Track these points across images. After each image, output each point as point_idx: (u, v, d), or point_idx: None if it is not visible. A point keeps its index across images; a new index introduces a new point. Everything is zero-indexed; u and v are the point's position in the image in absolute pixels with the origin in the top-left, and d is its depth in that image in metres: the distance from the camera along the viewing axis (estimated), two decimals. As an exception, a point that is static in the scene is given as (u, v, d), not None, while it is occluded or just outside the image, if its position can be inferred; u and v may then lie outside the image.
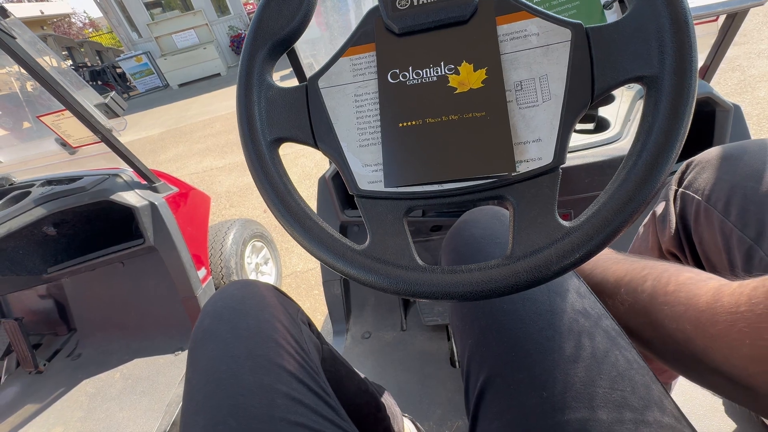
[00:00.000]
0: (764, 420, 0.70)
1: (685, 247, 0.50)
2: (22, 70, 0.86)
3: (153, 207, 1.14)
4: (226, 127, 4.29)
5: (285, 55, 0.37)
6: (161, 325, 1.34)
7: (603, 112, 0.79)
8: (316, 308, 1.53)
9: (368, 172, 0.31)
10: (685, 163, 0.52)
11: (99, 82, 8.21)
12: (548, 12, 0.29)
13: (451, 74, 0.30)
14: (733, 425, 0.72)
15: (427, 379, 0.94)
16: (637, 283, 0.36)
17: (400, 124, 0.30)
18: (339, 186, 0.94)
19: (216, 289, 1.08)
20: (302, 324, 0.48)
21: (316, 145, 0.33)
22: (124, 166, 1.16)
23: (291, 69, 0.67)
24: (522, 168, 0.28)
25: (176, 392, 1.14)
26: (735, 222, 0.41)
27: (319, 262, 0.36)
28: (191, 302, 1.22)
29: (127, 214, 1.13)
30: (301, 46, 0.95)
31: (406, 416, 0.76)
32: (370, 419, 0.61)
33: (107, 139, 1.03)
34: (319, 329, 1.39)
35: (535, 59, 0.29)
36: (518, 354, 0.34)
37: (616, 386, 0.31)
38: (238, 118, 0.34)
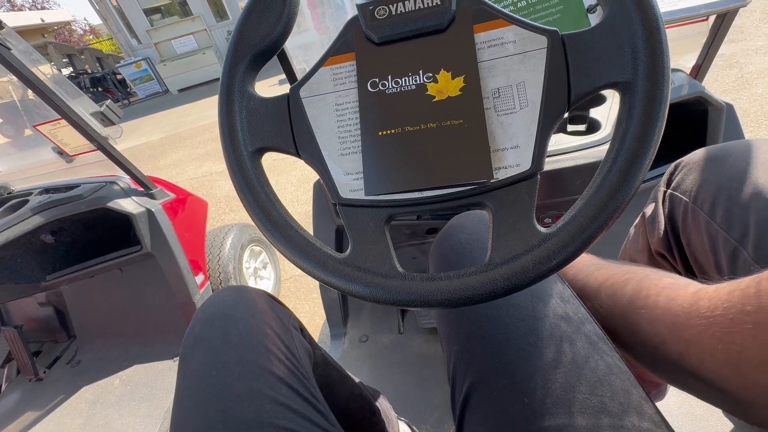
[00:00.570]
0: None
1: (674, 249, 0.50)
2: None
3: (150, 214, 1.15)
4: (226, 131, 4.29)
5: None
6: (160, 331, 1.35)
7: (594, 113, 0.79)
8: (314, 312, 1.53)
9: (349, 181, 0.31)
10: (673, 164, 0.52)
11: (99, 89, 8.23)
12: (525, 20, 0.29)
13: (430, 82, 0.30)
14: (731, 425, 0.72)
15: (425, 382, 0.94)
16: (617, 287, 0.36)
17: (380, 133, 0.30)
18: None
19: (213, 295, 1.08)
20: (294, 329, 0.48)
21: (298, 154, 0.33)
22: (120, 173, 1.17)
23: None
24: (500, 175, 0.28)
25: (175, 398, 1.14)
26: (720, 223, 0.41)
27: None
28: (189, 308, 1.22)
29: (125, 220, 1.14)
30: (294, 51, 0.95)
31: (402, 420, 0.76)
32: (365, 423, 0.61)
33: (103, 147, 1.04)
34: (319, 333, 1.40)
35: (512, 66, 0.29)
36: (501, 360, 0.35)
37: (596, 392, 0.31)
38: (219, 129, 0.34)
